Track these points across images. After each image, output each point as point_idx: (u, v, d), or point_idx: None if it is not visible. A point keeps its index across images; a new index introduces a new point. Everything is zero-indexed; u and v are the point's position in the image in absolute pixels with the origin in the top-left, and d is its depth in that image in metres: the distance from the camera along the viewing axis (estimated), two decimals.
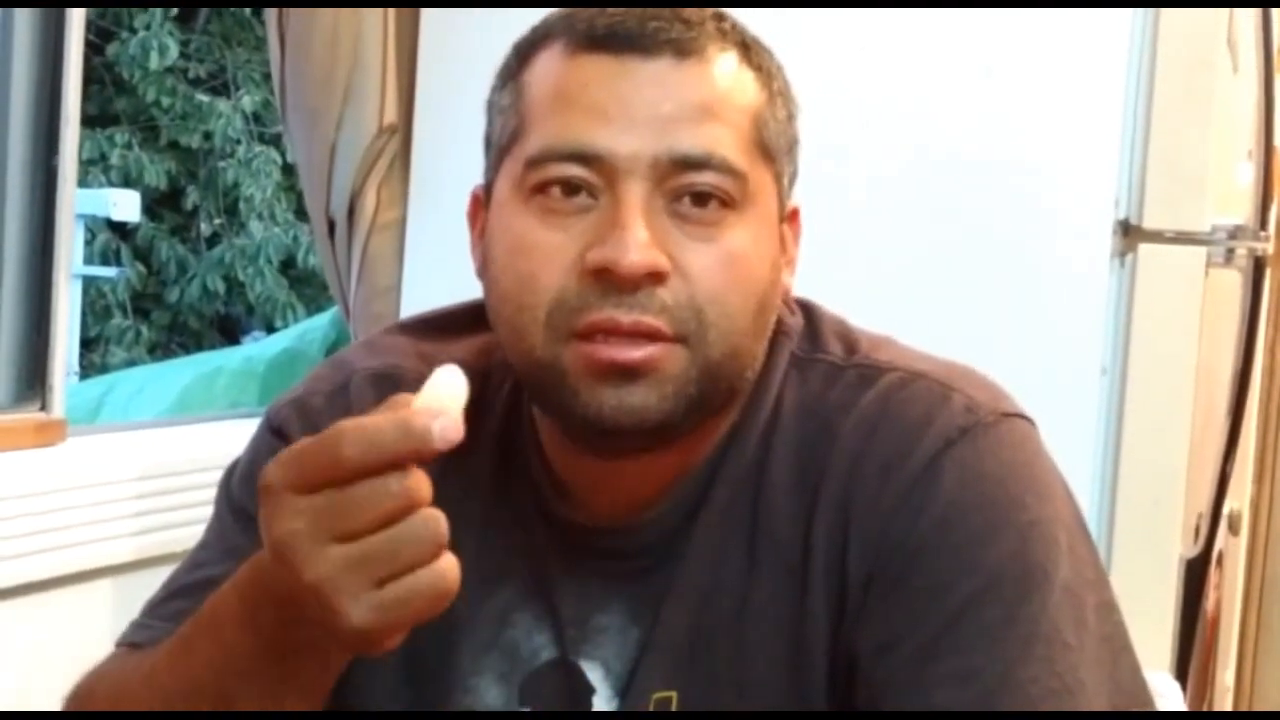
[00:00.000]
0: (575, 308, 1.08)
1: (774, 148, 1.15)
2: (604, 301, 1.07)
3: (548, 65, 1.13)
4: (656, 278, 1.07)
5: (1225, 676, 3.22)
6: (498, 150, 1.16)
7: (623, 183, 1.08)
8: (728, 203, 1.10)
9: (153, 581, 1.28)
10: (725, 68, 1.12)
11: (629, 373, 1.08)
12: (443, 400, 0.91)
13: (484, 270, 1.16)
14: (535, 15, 1.19)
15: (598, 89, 1.10)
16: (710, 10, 1.14)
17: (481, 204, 1.18)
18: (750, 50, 1.15)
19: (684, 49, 1.10)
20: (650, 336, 1.08)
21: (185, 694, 1.05)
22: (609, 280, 1.07)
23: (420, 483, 0.89)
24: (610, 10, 1.11)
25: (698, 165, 1.09)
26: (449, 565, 0.90)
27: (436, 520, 0.90)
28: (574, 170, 1.09)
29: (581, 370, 1.09)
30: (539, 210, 1.10)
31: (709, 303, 1.09)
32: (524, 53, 1.16)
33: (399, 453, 0.88)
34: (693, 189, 1.09)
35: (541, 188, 1.10)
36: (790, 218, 1.19)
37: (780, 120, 1.16)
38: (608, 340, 1.08)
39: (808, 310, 1.23)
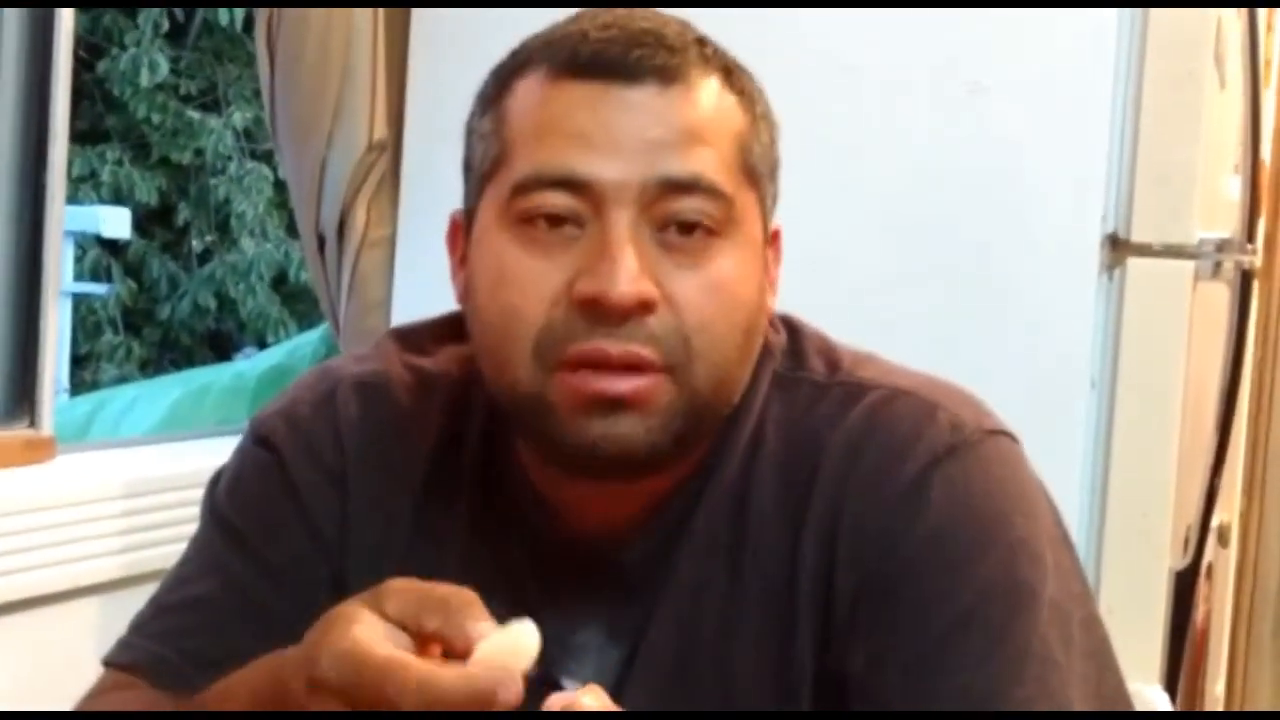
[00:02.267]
0: (563, 338, 1.08)
1: (758, 171, 1.15)
2: (592, 332, 1.07)
3: (530, 92, 1.12)
4: (646, 307, 1.07)
5: (1215, 688, 3.22)
6: (479, 177, 1.15)
7: (610, 210, 1.08)
8: (714, 229, 1.10)
9: (143, 600, 1.28)
10: (709, 93, 1.12)
11: (616, 404, 1.08)
12: (507, 656, 0.91)
13: (466, 298, 1.16)
14: (527, 28, 1.18)
15: (583, 115, 1.09)
16: (693, 36, 1.14)
17: (461, 230, 1.18)
18: (732, 75, 1.15)
19: (668, 75, 1.10)
20: (639, 368, 1.07)
21: None
22: (598, 311, 1.07)
23: None
24: (592, 37, 1.11)
25: (685, 189, 1.09)
26: None
27: None
28: (560, 199, 1.09)
29: (569, 402, 1.08)
30: (524, 239, 1.10)
31: (696, 332, 1.09)
32: (504, 78, 1.15)
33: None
34: (679, 216, 1.09)
35: (527, 217, 1.10)
36: (772, 239, 1.19)
37: (764, 144, 1.16)
38: (596, 372, 1.07)
39: (790, 327, 1.23)
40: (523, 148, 1.11)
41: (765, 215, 1.17)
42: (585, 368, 1.08)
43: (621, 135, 1.09)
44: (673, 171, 1.09)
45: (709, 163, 1.10)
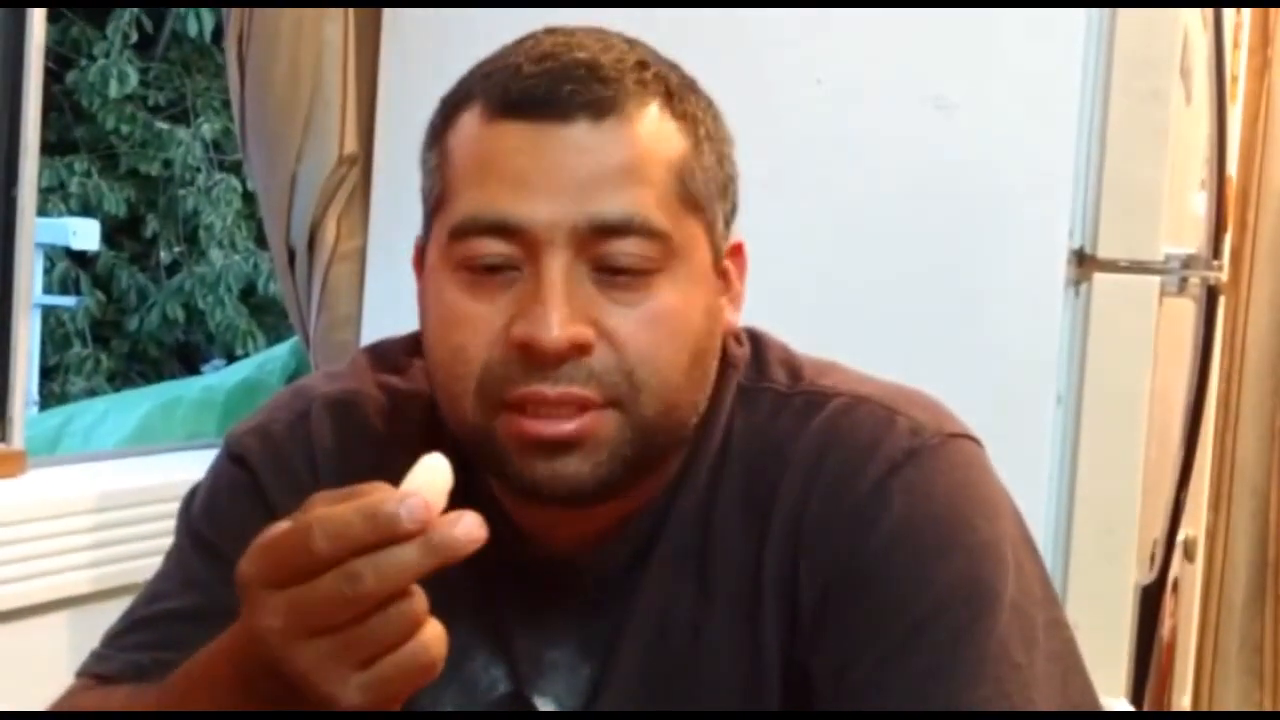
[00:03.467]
0: (501, 379, 1.08)
1: (702, 196, 1.13)
2: (529, 376, 1.08)
3: (467, 131, 1.12)
4: (581, 349, 1.07)
5: (1182, 703, 3.24)
6: (427, 212, 1.16)
7: (544, 253, 1.08)
8: (651, 269, 1.10)
9: (115, 613, 1.28)
10: (646, 124, 1.11)
11: (559, 445, 1.08)
12: (418, 484, 0.91)
13: (421, 325, 1.16)
14: (498, 41, 1.18)
15: (515, 157, 1.09)
16: (634, 59, 1.12)
17: (420, 254, 1.18)
18: (673, 98, 1.13)
19: (600, 109, 1.09)
20: (580, 406, 1.08)
21: None
22: (532, 355, 1.07)
23: (392, 566, 0.87)
24: (525, 71, 1.10)
25: (619, 231, 1.08)
26: (431, 637, 0.90)
27: (411, 602, 0.89)
28: (495, 246, 1.08)
29: (513, 444, 1.09)
30: (465, 283, 1.10)
31: (639, 364, 1.09)
32: (447, 113, 1.15)
33: (367, 541, 0.87)
34: (613, 261, 1.09)
35: (465, 264, 1.10)
36: (733, 253, 1.19)
37: (709, 167, 1.14)
38: (537, 412, 1.08)
39: (753, 339, 1.24)
40: (460, 190, 1.11)
41: (714, 238, 1.16)
42: (524, 410, 1.08)
43: (554, 176, 1.08)
44: (606, 213, 1.08)
45: (644, 201, 1.09)
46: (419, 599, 0.89)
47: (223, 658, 0.99)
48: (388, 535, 0.87)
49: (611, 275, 1.09)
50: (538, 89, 1.09)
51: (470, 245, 1.09)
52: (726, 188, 1.17)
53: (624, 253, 1.09)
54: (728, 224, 1.18)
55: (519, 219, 1.08)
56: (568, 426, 1.08)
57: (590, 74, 1.09)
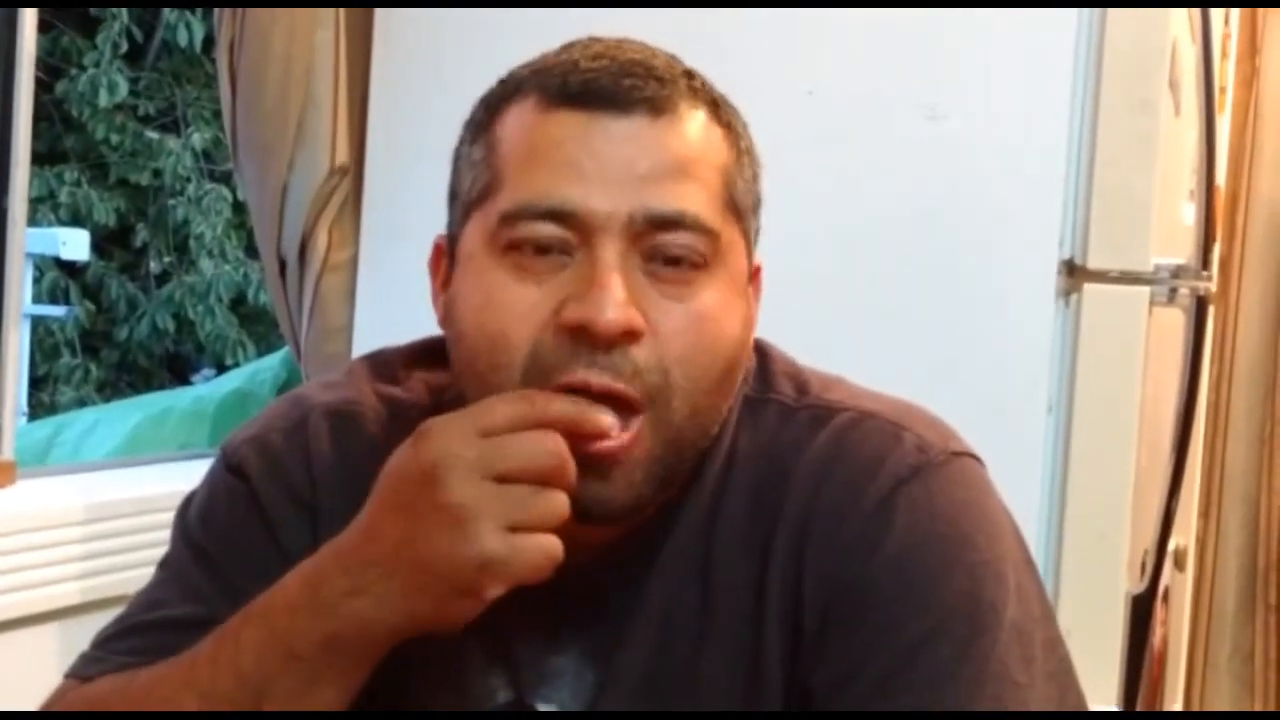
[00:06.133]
0: (550, 366, 1.08)
1: (742, 206, 1.15)
2: (577, 361, 1.08)
3: (520, 120, 1.13)
4: (632, 335, 1.08)
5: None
6: (465, 204, 1.15)
7: (599, 240, 1.08)
8: (700, 263, 1.11)
9: (104, 624, 1.28)
10: (697, 125, 1.13)
11: (602, 463, 1.08)
12: None
13: (448, 323, 1.16)
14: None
15: (573, 145, 1.10)
16: (681, 68, 1.15)
17: (444, 254, 1.18)
18: (719, 108, 1.15)
19: (658, 106, 1.11)
20: (618, 401, 1.08)
21: (230, 689, 1.09)
22: (585, 338, 1.07)
23: (566, 451, 1.03)
24: (583, 66, 1.12)
25: (672, 224, 1.09)
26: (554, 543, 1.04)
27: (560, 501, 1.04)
28: (549, 230, 1.09)
29: None
30: (511, 266, 1.10)
31: (677, 364, 1.09)
32: (494, 106, 1.15)
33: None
34: (666, 251, 1.10)
35: (515, 245, 1.10)
36: (753, 275, 1.20)
37: (747, 179, 1.17)
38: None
39: (759, 351, 1.24)
40: (512, 176, 1.11)
41: (749, 250, 1.17)
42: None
43: (611, 166, 1.09)
44: (660, 206, 1.09)
45: (696, 198, 1.11)
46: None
47: (293, 577, 1.09)
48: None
49: (661, 268, 1.10)
50: (598, 80, 1.11)
51: (522, 228, 1.10)
52: (757, 206, 1.19)
53: (676, 243, 1.10)
54: (756, 241, 1.19)
55: (575, 205, 1.09)
56: (619, 440, 1.08)
57: (647, 72, 1.12)
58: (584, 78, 1.11)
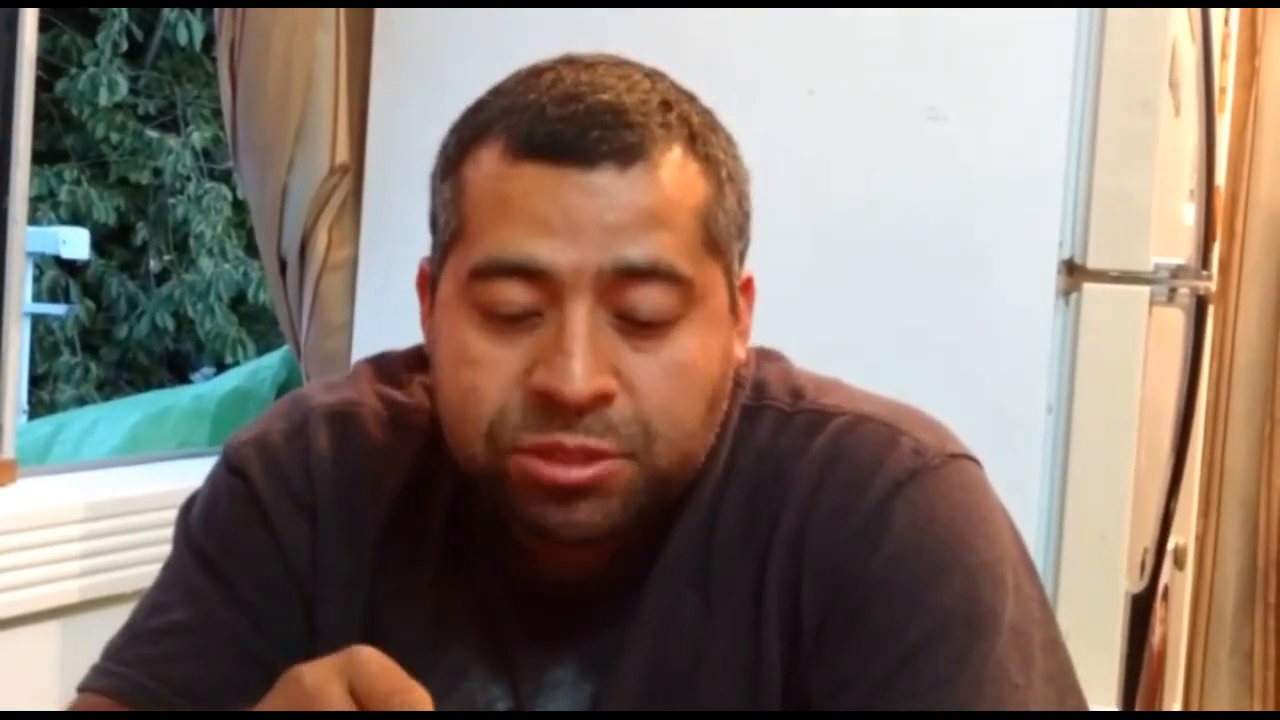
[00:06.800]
0: (518, 426, 1.07)
1: (723, 241, 1.13)
2: (548, 424, 1.06)
3: (488, 168, 1.10)
4: (604, 400, 1.07)
5: (1172, 710, 3.24)
6: (441, 244, 1.14)
7: (568, 299, 1.06)
8: (672, 319, 1.09)
9: (106, 623, 1.28)
10: (670, 169, 1.09)
11: (574, 492, 1.07)
12: None
13: (430, 357, 1.16)
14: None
15: (539, 200, 1.07)
16: (658, 100, 1.11)
17: (429, 280, 1.17)
18: (696, 140, 1.12)
19: (626, 157, 1.07)
20: (596, 456, 1.07)
21: None
22: (553, 406, 1.06)
23: None
24: (550, 114, 1.08)
25: (644, 275, 1.07)
26: None
27: None
28: (516, 292, 1.07)
29: (525, 489, 1.08)
30: (481, 325, 1.09)
31: (656, 415, 1.08)
32: (464, 144, 1.13)
33: None
34: (636, 311, 1.08)
35: (485, 308, 1.08)
36: (744, 287, 1.18)
37: (730, 210, 1.13)
38: (552, 457, 1.07)
39: (756, 357, 1.24)
40: (480, 229, 1.09)
41: (731, 279, 1.15)
42: (539, 454, 1.07)
43: (579, 219, 1.06)
44: (631, 257, 1.07)
45: (668, 245, 1.08)
46: None
47: None
48: None
49: (632, 324, 1.08)
50: (564, 133, 1.07)
51: (491, 289, 1.08)
52: (744, 226, 1.16)
53: (647, 300, 1.08)
54: (741, 260, 1.17)
55: (542, 262, 1.06)
56: (584, 473, 1.07)
57: (616, 119, 1.08)
58: (550, 129, 1.07)
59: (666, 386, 1.08)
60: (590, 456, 1.07)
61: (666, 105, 1.11)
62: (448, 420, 1.12)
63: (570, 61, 1.13)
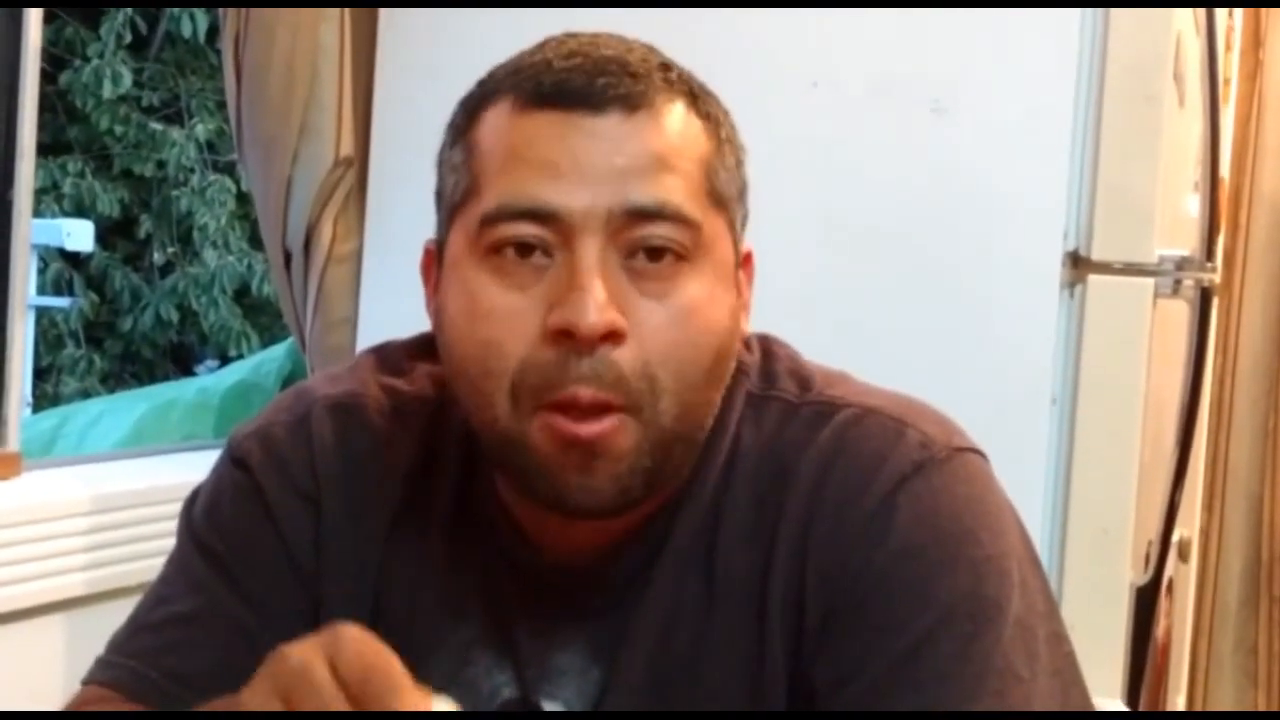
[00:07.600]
0: (541, 381, 1.08)
1: (725, 195, 1.15)
2: (564, 372, 1.07)
3: (497, 122, 1.13)
4: (615, 337, 1.08)
5: (1176, 703, 3.24)
6: (450, 208, 1.15)
7: (578, 240, 1.08)
8: (682, 254, 1.10)
9: (111, 616, 1.28)
10: (674, 118, 1.12)
11: (589, 452, 1.08)
12: None
13: (439, 328, 1.16)
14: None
15: (549, 145, 1.10)
16: (657, 61, 1.14)
17: (435, 259, 1.18)
18: (698, 99, 1.15)
19: (633, 103, 1.10)
20: (606, 408, 1.08)
21: None
22: (569, 342, 1.07)
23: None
24: (557, 65, 1.11)
25: (651, 216, 1.09)
26: None
27: None
28: (529, 229, 1.09)
29: (546, 447, 1.09)
30: (495, 271, 1.10)
31: (660, 364, 1.09)
32: (472, 109, 1.15)
33: None
34: (647, 243, 1.09)
35: (496, 248, 1.10)
36: (744, 262, 1.19)
37: (730, 168, 1.16)
38: (569, 414, 1.08)
39: (763, 347, 1.24)
40: (491, 179, 1.11)
41: (735, 238, 1.17)
42: (560, 411, 1.08)
43: (588, 164, 1.09)
44: (639, 199, 1.09)
45: (675, 189, 1.10)
46: None
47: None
48: None
49: (642, 263, 1.10)
50: (572, 80, 1.10)
51: (502, 229, 1.10)
52: (742, 193, 1.18)
53: (657, 234, 1.09)
54: (742, 229, 1.19)
55: (554, 204, 1.08)
56: (597, 426, 1.08)
57: (621, 69, 1.11)
58: (558, 78, 1.11)
59: (672, 332, 1.10)
60: (602, 409, 1.08)
61: (666, 66, 1.15)
62: (466, 380, 1.12)
63: (571, 34, 1.17)
